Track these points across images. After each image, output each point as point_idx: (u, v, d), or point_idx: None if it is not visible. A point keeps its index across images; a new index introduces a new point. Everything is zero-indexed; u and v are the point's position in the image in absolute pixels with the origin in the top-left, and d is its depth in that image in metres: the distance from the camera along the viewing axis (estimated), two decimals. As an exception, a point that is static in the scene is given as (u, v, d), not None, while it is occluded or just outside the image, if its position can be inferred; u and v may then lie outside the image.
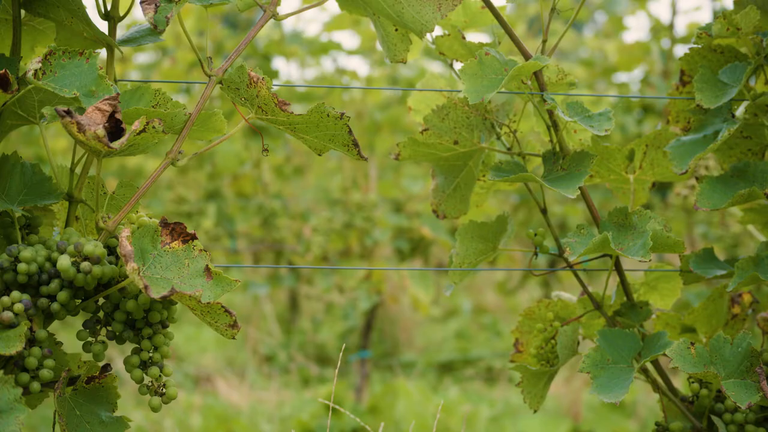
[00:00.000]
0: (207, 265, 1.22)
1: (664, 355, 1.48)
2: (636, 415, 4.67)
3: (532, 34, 6.08)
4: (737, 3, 1.63)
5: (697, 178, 1.61)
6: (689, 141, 1.61)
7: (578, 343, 1.67)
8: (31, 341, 1.21)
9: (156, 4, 1.26)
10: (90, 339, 1.28)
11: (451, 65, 1.77)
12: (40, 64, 1.21)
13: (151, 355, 1.28)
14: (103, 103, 1.19)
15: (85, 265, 1.20)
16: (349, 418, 4.52)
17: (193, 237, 1.23)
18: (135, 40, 1.37)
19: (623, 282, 1.65)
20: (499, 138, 1.70)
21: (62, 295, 1.22)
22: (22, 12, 1.33)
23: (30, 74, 1.20)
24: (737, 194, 1.54)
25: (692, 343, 1.47)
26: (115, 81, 1.33)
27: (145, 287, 1.15)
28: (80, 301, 1.26)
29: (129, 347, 1.29)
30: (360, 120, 5.83)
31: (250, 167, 6.17)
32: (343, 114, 1.30)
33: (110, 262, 1.26)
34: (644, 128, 4.73)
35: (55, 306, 1.22)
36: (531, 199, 3.40)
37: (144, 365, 1.27)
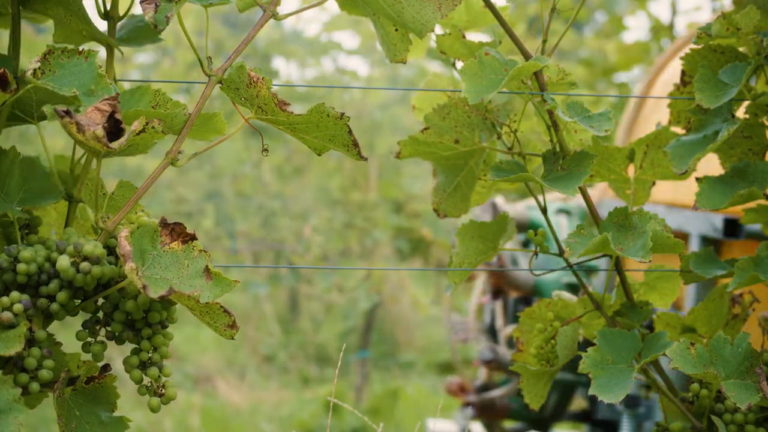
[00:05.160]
0: (206, 266, 1.22)
1: (664, 355, 1.48)
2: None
3: (532, 34, 6.08)
4: (737, 3, 1.63)
5: (696, 179, 1.61)
6: (689, 141, 1.60)
7: (578, 342, 1.67)
8: (31, 341, 1.21)
9: (156, 4, 1.25)
10: (89, 339, 1.28)
11: (453, 64, 1.77)
12: (39, 63, 1.20)
13: (150, 355, 1.27)
14: (103, 103, 1.19)
15: (84, 265, 1.19)
16: (349, 418, 4.51)
17: (193, 237, 1.23)
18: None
19: (623, 282, 1.65)
20: (499, 137, 1.70)
21: (62, 296, 1.22)
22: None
23: (29, 73, 1.20)
24: (737, 194, 1.54)
25: (692, 343, 1.46)
26: (115, 81, 1.32)
27: (144, 287, 1.15)
28: (80, 301, 1.26)
29: (129, 347, 1.29)
30: (360, 120, 5.83)
31: (250, 167, 6.16)
32: (343, 114, 1.30)
33: (110, 263, 1.26)
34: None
35: (54, 306, 1.22)
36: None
37: (143, 366, 1.27)
